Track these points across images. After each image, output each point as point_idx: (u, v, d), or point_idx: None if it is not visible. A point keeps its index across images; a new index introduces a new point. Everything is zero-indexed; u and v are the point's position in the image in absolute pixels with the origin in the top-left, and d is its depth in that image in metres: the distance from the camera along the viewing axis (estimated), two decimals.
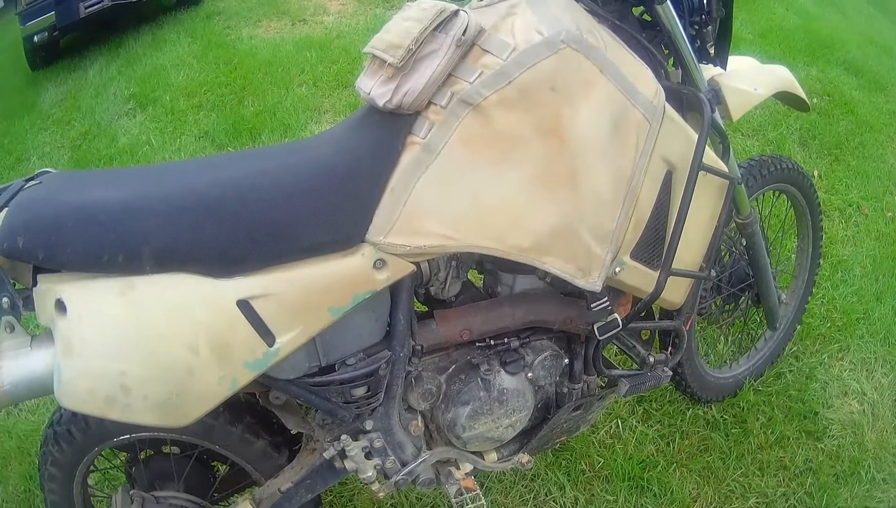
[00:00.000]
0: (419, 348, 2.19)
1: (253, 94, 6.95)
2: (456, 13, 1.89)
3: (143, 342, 1.78)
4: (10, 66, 9.60)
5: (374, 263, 1.90)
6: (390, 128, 1.94)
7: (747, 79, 2.80)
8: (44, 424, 3.25)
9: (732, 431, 3.37)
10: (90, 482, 2.51)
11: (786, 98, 3.06)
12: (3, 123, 7.76)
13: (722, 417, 3.42)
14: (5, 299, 1.84)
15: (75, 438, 2.23)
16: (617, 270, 2.21)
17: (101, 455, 2.42)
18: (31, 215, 1.81)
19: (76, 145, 6.72)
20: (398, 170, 1.90)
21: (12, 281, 1.88)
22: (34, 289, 1.84)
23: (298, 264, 1.87)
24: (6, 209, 1.84)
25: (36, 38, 8.64)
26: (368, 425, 2.23)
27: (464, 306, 2.31)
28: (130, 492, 2.33)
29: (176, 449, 2.45)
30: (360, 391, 2.13)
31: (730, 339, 3.77)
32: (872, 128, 6.04)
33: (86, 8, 8.69)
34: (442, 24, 1.89)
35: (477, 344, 2.34)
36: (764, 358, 3.61)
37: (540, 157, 1.95)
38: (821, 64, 7.00)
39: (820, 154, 5.59)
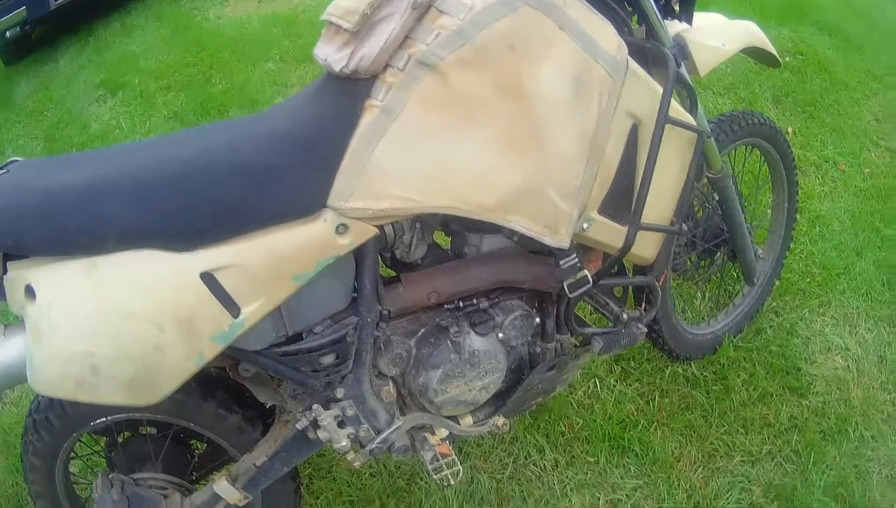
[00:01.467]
0: (386, 312, 2.18)
1: (220, 72, 6.97)
2: None
3: (109, 321, 1.78)
4: None
5: (337, 228, 1.89)
6: (348, 93, 1.93)
7: (714, 34, 2.79)
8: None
9: (713, 388, 3.37)
10: (72, 469, 2.51)
11: (755, 54, 3.06)
12: None
13: (702, 374, 3.43)
14: None
15: (53, 425, 2.24)
16: (585, 226, 2.21)
17: (81, 441, 2.42)
18: None
19: (49, 136, 6.71)
20: (357, 134, 1.89)
21: None
22: (4, 276, 1.84)
23: (260, 234, 1.86)
24: None
25: (8, 34, 8.55)
26: (339, 393, 2.22)
27: (430, 268, 2.31)
28: (110, 476, 2.31)
29: (153, 430, 2.46)
30: (328, 359, 2.13)
31: (707, 295, 3.77)
32: (847, 86, 6.02)
33: (55, 0, 8.65)
34: None
35: (445, 306, 2.33)
36: (743, 314, 3.60)
37: (501, 117, 1.94)
38: (793, 24, 6.97)
39: (794, 111, 5.58)
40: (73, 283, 1.77)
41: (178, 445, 2.51)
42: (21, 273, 1.79)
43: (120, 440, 2.44)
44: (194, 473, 2.56)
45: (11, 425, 3.53)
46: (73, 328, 1.77)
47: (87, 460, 2.78)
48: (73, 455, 2.43)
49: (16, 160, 2.03)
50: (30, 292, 1.77)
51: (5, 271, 1.84)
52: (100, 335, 1.77)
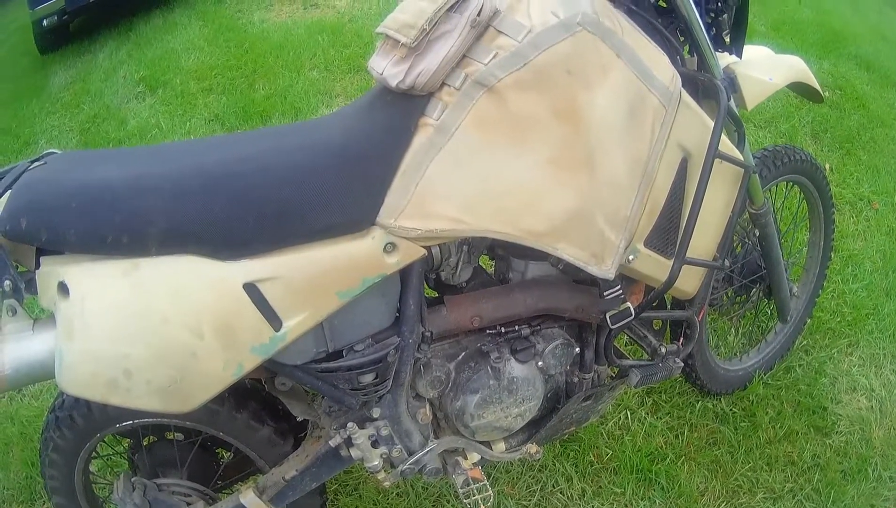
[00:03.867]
0: (429, 334, 2.16)
1: (264, 77, 6.93)
2: None
3: (146, 325, 1.75)
4: (19, 50, 9.58)
5: (385, 246, 1.88)
6: (403, 109, 1.92)
7: (763, 68, 2.78)
8: (47, 409, 3.23)
9: (741, 424, 3.35)
10: (92, 468, 2.49)
11: (800, 88, 3.03)
12: (11, 107, 7.74)
13: (731, 410, 3.41)
14: (7, 282, 1.82)
15: (77, 423, 2.21)
16: (630, 257, 2.19)
17: (104, 441, 2.40)
18: (34, 195, 1.79)
19: (85, 129, 6.69)
20: (410, 152, 1.88)
21: (15, 263, 1.86)
22: (37, 271, 1.82)
23: (307, 247, 1.84)
24: (9, 191, 1.82)
25: (45, 22, 8.58)
26: (375, 412, 2.21)
27: (475, 292, 2.29)
28: (132, 479, 2.31)
29: (179, 436, 2.44)
30: (367, 378, 2.11)
31: (740, 331, 3.75)
32: (884, 123, 6.00)
33: None
34: (456, 4, 1.86)
35: (487, 331, 2.31)
36: (774, 351, 3.58)
37: (555, 140, 1.92)
38: (832, 57, 6.98)
39: (832, 147, 5.56)
40: (110, 283, 1.75)
41: (205, 452, 2.50)
42: (54, 269, 1.78)
43: (144, 443, 2.42)
44: (219, 482, 2.54)
45: (31, 418, 3.53)
46: (109, 328, 1.74)
47: (108, 460, 2.76)
48: (94, 454, 2.41)
49: (53, 152, 2.03)
50: (63, 288, 1.75)
51: (37, 266, 1.82)
52: (136, 338, 1.75)
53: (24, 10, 8.85)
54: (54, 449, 2.28)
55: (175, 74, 7.28)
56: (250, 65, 7.20)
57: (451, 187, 1.88)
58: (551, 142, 1.92)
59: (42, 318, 1.92)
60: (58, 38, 9.07)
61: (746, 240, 3.15)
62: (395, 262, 1.91)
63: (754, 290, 3.30)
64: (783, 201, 3.55)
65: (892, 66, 7.17)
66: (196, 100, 6.71)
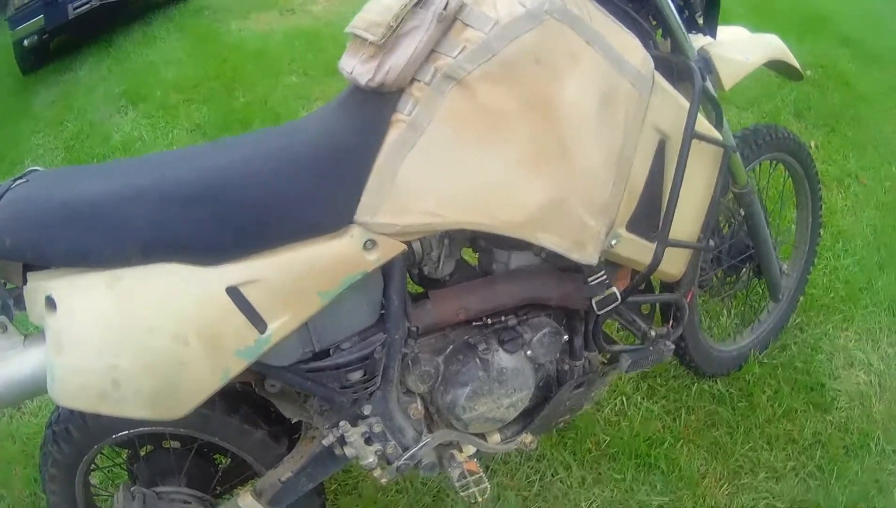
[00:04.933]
0: (415, 329, 2.17)
1: (243, 85, 6.97)
2: None
3: (132, 334, 1.77)
4: (1, 71, 9.57)
5: (364, 243, 1.89)
6: (374, 106, 1.92)
7: (738, 48, 2.78)
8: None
9: (739, 405, 3.36)
10: (93, 481, 2.50)
11: (778, 67, 3.05)
12: None
13: (728, 391, 3.41)
14: None
15: (73, 437, 2.23)
16: (613, 242, 2.20)
17: (102, 454, 2.42)
18: (17, 213, 1.81)
19: (69, 146, 6.72)
20: (384, 149, 1.88)
21: (3, 281, 1.89)
22: (24, 287, 1.83)
23: (287, 249, 1.85)
24: None
25: (26, 42, 8.59)
26: (367, 410, 2.21)
27: (459, 285, 2.30)
28: (132, 489, 2.30)
29: (176, 444, 2.45)
30: (356, 376, 2.12)
31: (732, 312, 3.75)
32: (868, 99, 6.02)
33: (74, 9, 8.65)
34: (421, 0, 1.87)
35: (474, 324, 2.31)
36: (768, 330, 3.59)
37: (528, 131, 1.93)
38: (813, 37, 6.98)
39: (816, 125, 5.58)
40: (95, 295, 1.77)
41: (202, 459, 2.50)
42: (41, 284, 1.79)
43: (142, 452, 2.43)
44: (218, 487, 2.55)
45: (30, 435, 3.53)
46: (96, 340, 1.76)
47: (108, 472, 2.76)
48: (93, 466, 2.42)
49: (35, 170, 2.03)
50: (50, 303, 1.76)
51: (25, 282, 1.83)
52: (123, 348, 1.76)
53: (4, 31, 8.85)
54: (53, 464, 2.29)
55: (156, 87, 7.32)
56: (229, 73, 7.24)
57: (427, 182, 1.89)
58: (524, 132, 1.93)
59: (32, 334, 1.94)
60: (39, 58, 9.08)
61: (732, 220, 3.15)
62: (375, 259, 1.91)
63: (744, 270, 3.30)
64: (768, 180, 3.55)
65: (873, 42, 7.18)
66: (177, 111, 6.75)
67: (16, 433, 3.57)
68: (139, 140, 6.39)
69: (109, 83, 7.80)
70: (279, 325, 1.86)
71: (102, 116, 7.11)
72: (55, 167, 2.49)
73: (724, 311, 3.76)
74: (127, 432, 2.23)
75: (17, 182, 1.94)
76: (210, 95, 6.95)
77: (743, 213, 3.07)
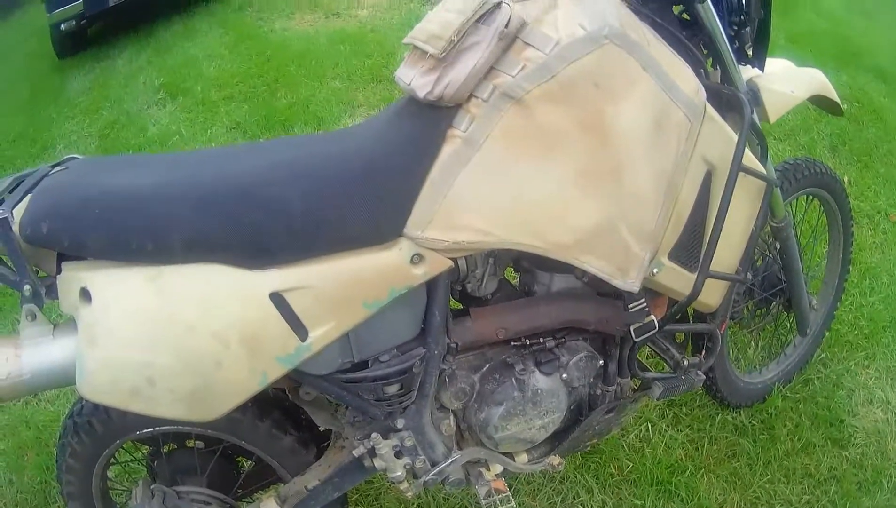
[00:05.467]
0: (454, 345, 2.16)
1: (286, 86, 6.92)
2: (498, 5, 1.86)
3: (170, 332, 1.76)
4: (37, 54, 9.57)
5: (412, 257, 1.88)
6: (430, 120, 1.92)
7: (784, 81, 2.78)
8: (63, 414, 3.24)
9: (760, 437, 3.35)
10: (109, 474, 2.48)
11: (820, 101, 3.04)
12: (29, 112, 7.75)
13: (750, 423, 3.40)
14: (27, 287, 1.83)
15: (96, 430, 2.21)
16: (655, 271, 2.19)
17: (122, 448, 2.40)
18: (56, 200, 1.80)
19: (104, 134, 6.71)
20: (438, 163, 1.88)
21: (35, 268, 1.88)
22: (58, 277, 1.83)
23: (334, 257, 1.85)
24: (30, 195, 1.83)
25: (63, 27, 8.58)
26: (400, 423, 2.21)
27: (500, 304, 2.29)
28: (151, 486, 2.30)
29: (200, 444, 2.43)
30: (392, 389, 2.12)
31: (760, 344, 3.74)
32: None
33: None
34: (484, 16, 1.86)
35: (512, 343, 2.30)
36: (793, 364, 3.58)
37: (582, 153, 1.93)
38: (850, 70, 6.98)
39: (850, 160, 5.56)
40: (134, 289, 1.76)
41: (225, 461, 2.50)
42: (76, 275, 1.79)
43: (164, 450, 2.42)
44: (239, 490, 2.53)
45: (46, 422, 3.54)
46: (132, 335, 1.75)
47: (126, 466, 2.76)
48: (112, 460, 2.41)
49: (74, 157, 2.04)
50: (85, 294, 1.76)
51: (58, 271, 1.83)
52: (160, 346, 1.76)
53: (41, 13, 8.84)
54: (72, 455, 2.28)
55: (196, 82, 7.29)
56: (272, 73, 7.20)
57: (479, 199, 1.89)
58: (578, 155, 1.92)
59: (62, 323, 1.93)
60: (76, 43, 9.08)
61: (767, 253, 3.15)
62: (421, 273, 1.91)
63: (774, 303, 3.29)
64: (803, 215, 3.55)
65: None
66: (217, 108, 6.72)
67: (31, 419, 3.58)
68: (176, 134, 6.37)
69: (148, 74, 7.80)
70: (321, 334, 1.86)
71: (139, 107, 7.10)
72: (93, 155, 2.48)
73: (752, 343, 3.75)
74: (152, 429, 2.21)
75: (56, 169, 1.95)
76: (251, 93, 6.93)
77: (778, 247, 3.06)
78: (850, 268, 3.76)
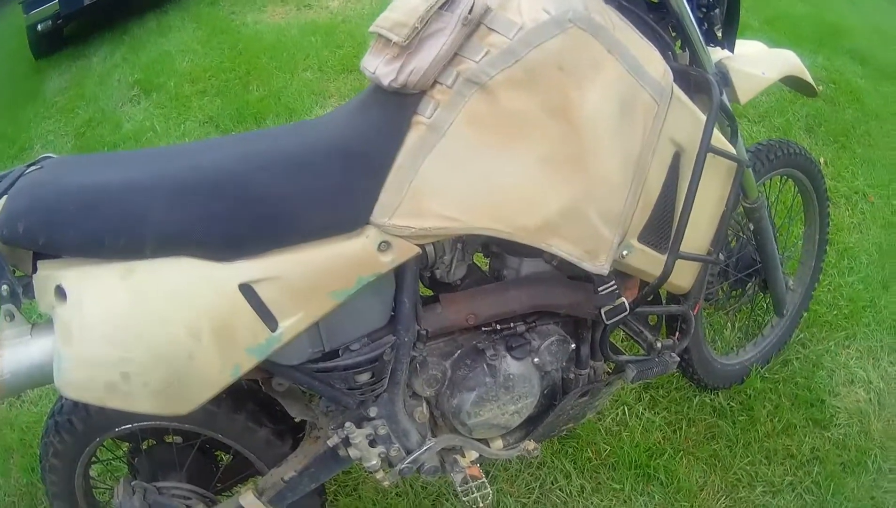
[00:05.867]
0: (424, 332, 2.16)
1: (258, 79, 6.94)
2: None
3: (143, 327, 1.77)
4: (15, 55, 9.55)
5: (379, 245, 1.88)
6: (395, 108, 1.92)
7: (755, 62, 2.79)
8: (46, 414, 3.24)
9: (739, 418, 3.36)
10: (92, 473, 2.50)
11: (793, 83, 3.05)
12: (6, 112, 7.75)
13: (729, 404, 3.41)
14: (5, 287, 1.84)
15: (76, 428, 2.22)
16: (624, 253, 2.19)
17: (103, 446, 2.42)
18: (31, 199, 1.81)
19: (80, 133, 6.72)
20: (403, 150, 1.88)
21: (12, 268, 1.88)
22: (34, 276, 1.83)
23: (302, 247, 1.85)
24: (6, 196, 1.83)
25: (40, 27, 8.59)
26: (373, 412, 2.21)
27: (469, 289, 2.29)
28: (132, 483, 2.31)
29: (178, 439, 2.44)
30: (364, 377, 2.11)
31: (736, 325, 3.75)
32: (878, 116, 6.02)
33: None
34: (448, 2, 1.86)
35: (483, 329, 2.31)
36: (771, 345, 3.59)
37: (547, 137, 1.93)
38: (827, 52, 7.01)
39: (826, 141, 5.57)
40: (107, 286, 1.76)
41: (203, 455, 2.50)
42: (52, 273, 1.79)
43: (144, 447, 2.43)
44: (218, 484, 2.54)
45: (30, 424, 3.54)
46: (106, 331, 1.76)
47: (108, 464, 2.77)
48: (94, 458, 2.43)
49: (49, 156, 2.04)
50: (60, 292, 1.76)
51: (35, 270, 1.83)
52: (134, 341, 1.76)
53: (18, 14, 8.84)
54: (54, 454, 2.29)
55: (169, 77, 7.30)
56: (244, 66, 7.20)
57: (445, 185, 1.89)
58: (544, 139, 1.93)
59: (40, 322, 1.93)
60: (52, 43, 9.09)
61: (741, 234, 3.16)
62: (389, 260, 1.91)
63: (750, 284, 3.30)
64: (778, 195, 3.56)
65: (887, 59, 7.20)
66: (190, 102, 6.73)
67: (15, 422, 3.58)
68: (151, 130, 6.37)
69: (123, 71, 7.80)
70: (291, 324, 1.86)
71: (114, 105, 7.11)
72: (69, 154, 2.49)
73: (729, 324, 3.76)
74: (130, 425, 2.22)
75: (31, 168, 1.94)
76: (224, 87, 6.94)
77: (752, 227, 3.06)
78: (828, 248, 3.77)
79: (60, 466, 2.32)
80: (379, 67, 1.91)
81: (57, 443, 2.26)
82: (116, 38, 8.82)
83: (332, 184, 1.87)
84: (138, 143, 6.19)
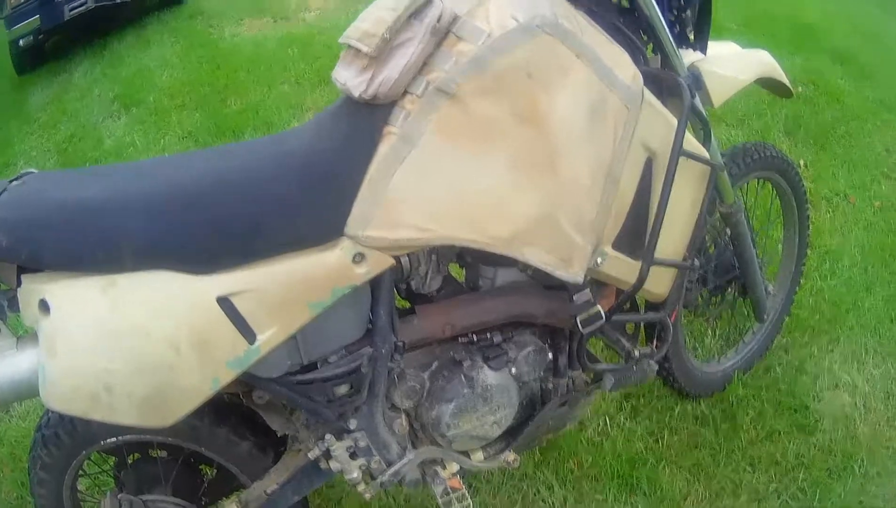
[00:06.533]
0: (401, 344, 2.16)
1: (236, 92, 6.97)
2: (429, 1, 1.88)
3: (125, 339, 1.79)
4: None
5: (353, 257, 1.89)
6: (366, 118, 1.93)
7: (728, 64, 2.79)
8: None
9: (722, 426, 3.35)
10: (80, 487, 2.51)
11: (768, 84, 3.05)
12: None
13: (711, 412, 3.40)
14: None
15: (63, 441, 2.24)
16: (599, 260, 2.20)
17: (90, 460, 2.43)
18: (12, 214, 1.82)
19: (62, 149, 6.76)
20: (375, 161, 1.89)
21: None
22: (18, 289, 1.84)
23: (278, 259, 1.86)
24: None
25: (21, 42, 8.71)
26: (352, 424, 2.21)
27: (445, 300, 2.30)
28: (119, 496, 2.32)
29: (163, 453, 2.45)
30: (342, 390, 2.13)
31: (717, 332, 3.75)
32: (858, 116, 6.02)
33: (70, 10, 8.77)
34: (416, 12, 1.87)
35: (459, 340, 2.31)
36: (752, 351, 3.58)
37: (518, 145, 1.95)
38: (806, 52, 7.03)
39: (806, 143, 5.57)
40: (89, 299, 1.78)
41: (188, 469, 2.50)
42: (35, 287, 1.80)
43: (129, 460, 2.43)
44: (203, 498, 2.54)
45: (18, 438, 3.53)
46: (89, 344, 1.77)
47: (95, 478, 2.77)
48: (81, 472, 2.44)
49: (31, 172, 2.04)
50: (44, 306, 1.77)
51: (19, 284, 1.84)
52: (115, 353, 1.78)
53: (0, 31, 8.87)
54: (42, 468, 2.30)
55: (149, 92, 7.33)
56: (222, 80, 7.24)
57: (418, 196, 1.90)
58: (514, 146, 1.94)
59: (25, 335, 1.95)
60: (34, 58, 9.14)
61: (719, 239, 3.16)
62: (364, 272, 1.92)
63: (729, 290, 3.31)
64: (755, 199, 3.56)
65: (866, 58, 7.22)
66: (170, 117, 6.76)
67: (3, 437, 3.58)
68: (131, 145, 6.41)
69: (103, 86, 7.83)
70: (268, 336, 1.87)
71: (95, 120, 7.14)
72: (51, 170, 2.51)
73: (709, 331, 3.76)
74: (115, 438, 2.24)
75: (13, 183, 1.94)
76: (202, 101, 6.96)
77: (729, 232, 3.07)
78: (809, 251, 3.77)
79: (49, 479, 2.33)
80: (349, 78, 1.92)
81: (44, 456, 2.27)
82: (97, 52, 8.86)
83: (304, 197, 1.88)
84: (120, 158, 6.22)
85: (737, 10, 7.81)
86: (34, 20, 8.53)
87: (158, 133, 6.53)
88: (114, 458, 2.48)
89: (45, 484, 2.34)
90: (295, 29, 8.29)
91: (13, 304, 1.89)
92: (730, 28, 7.13)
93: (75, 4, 8.81)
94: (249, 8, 9.15)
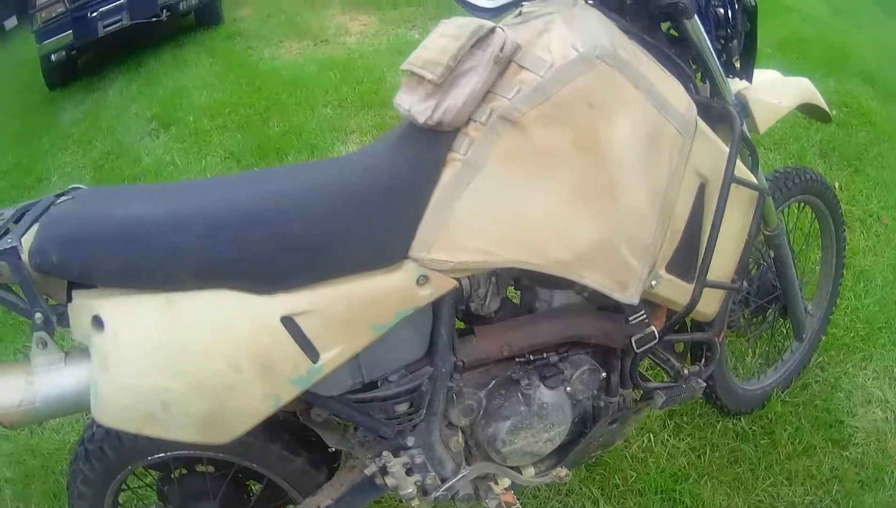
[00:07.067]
0: (460, 363, 2.19)
1: (277, 114, 6.96)
2: (492, 30, 1.90)
3: (184, 358, 1.80)
4: (28, 84, 9.60)
5: (417, 279, 1.92)
6: (431, 144, 1.95)
7: (772, 91, 2.82)
8: (68, 442, 3.27)
9: (761, 442, 3.38)
10: (120, 500, 2.49)
11: (808, 110, 3.09)
12: (21, 143, 7.80)
13: (751, 428, 3.43)
14: (38, 315, 1.85)
15: (108, 456, 2.23)
16: (653, 283, 2.22)
17: (133, 474, 2.41)
18: (65, 229, 1.83)
19: (98, 165, 6.76)
20: (439, 186, 1.92)
21: (45, 297, 1.90)
22: (69, 305, 1.85)
23: (342, 281, 1.88)
24: (37, 224, 1.86)
25: (53, 57, 8.69)
26: (410, 441, 2.23)
27: (503, 321, 2.32)
28: None
29: (211, 468, 2.44)
30: (402, 408, 2.14)
31: (757, 351, 3.77)
32: (890, 138, 6.03)
33: (104, 27, 8.76)
34: (479, 41, 1.90)
35: (516, 360, 2.33)
36: (791, 369, 3.60)
37: (578, 172, 1.97)
38: (838, 74, 7.03)
39: (840, 166, 5.59)
40: (147, 316, 1.79)
41: (236, 484, 2.50)
42: (88, 303, 1.81)
43: (175, 475, 2.43)
44: None
45: (51, 451, 3.56)
46: (146, 361, 1.78)
47: (135, 491, 2.78)
48: (123, 486, 2.42)
49: (78, 187, 2.06)
50: (98, 322, 1.78)
51: (69, 299, 1.85)
52: (174, 371, 1.79)
53: (31, 43, 8.89)
54: (83, 481, 2.29)
55: (188, 112, 7.31)
56: (263, 102, 7.22)
57: (480, 220, 1.93)
58: (574, 174, 1.97)
59: (72, 350, 1.95)
60: (66, 74, 9.11)
61: (762, 261, 3.19)
62: (427, 294, 1.94)
63: (770, 310, 3.32)
64: (795, 222, 3.59)
65: (895, 79, 7.21)
66: (210, 137, 6.76)
67: (36, 448, 3.60)
68: (171, 165, 6.40)
69: (140, 105, 7.83)
70: (332, 356, 1.89)
71: (132, 138, 7.14)
72: (98, 186, 2.51)
73: (750, 351, 3.77)
74: (164, 454, 2.23)
75: (62, 199, 1.97)
76: (244, 122, 6.96)
77: (772, 254, 3.10)
78: (844, 272, 3.78)
79: (89, 493, 2.32)
80: (414, 104, 1.94)
81: (87, 470, 2.26)
82: (131, 70, 8.85)
83: (370, 220, 1.91)
84: (159, 177, 6.21)
85: (768, 33, 7.81)
86: (67, 35, 8.53)
87: (199, 153, 6.53)
88: (157, 472, 2.48)
89: (86, 498, 2.33)
90: (335, 52, 8.30)
91: (62, 319, 1.89)
92: (765, 52, 7.12)
93: (110, 21, 8.79)
94: (288, 30, 9.16)
